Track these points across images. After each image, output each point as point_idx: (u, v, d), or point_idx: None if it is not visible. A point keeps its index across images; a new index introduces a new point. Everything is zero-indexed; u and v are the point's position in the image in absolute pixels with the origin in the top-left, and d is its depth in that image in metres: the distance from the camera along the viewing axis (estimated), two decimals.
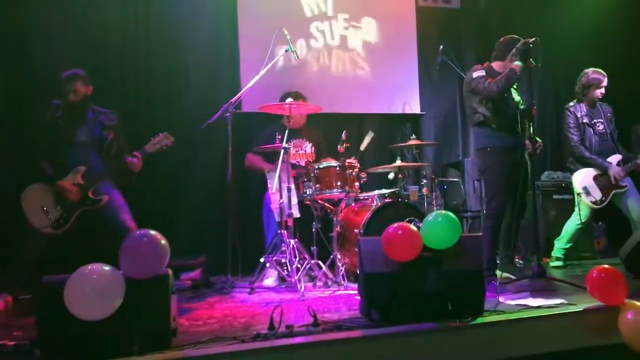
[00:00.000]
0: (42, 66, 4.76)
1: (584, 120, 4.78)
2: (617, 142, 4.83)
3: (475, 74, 3.95)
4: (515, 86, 4.02)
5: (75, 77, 3.99)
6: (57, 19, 4.93)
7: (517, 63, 3.81)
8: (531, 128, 3.93)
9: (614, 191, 4.66)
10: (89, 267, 2.24)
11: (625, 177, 4.65)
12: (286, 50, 4.35)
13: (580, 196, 4.74)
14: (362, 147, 4.79)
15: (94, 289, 2.17)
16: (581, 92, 4.82)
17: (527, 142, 3.94)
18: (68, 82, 3.97)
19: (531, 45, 3.80)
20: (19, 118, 4.69)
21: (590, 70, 4.79)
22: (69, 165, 3.90)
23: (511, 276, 3.95)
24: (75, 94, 3.97)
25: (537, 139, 3.96)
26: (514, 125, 3.95)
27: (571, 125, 4.79)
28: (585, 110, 4.81)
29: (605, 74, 4.75)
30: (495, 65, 4.04)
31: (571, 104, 4.88)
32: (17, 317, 3.38)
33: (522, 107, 3.99)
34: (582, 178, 4.75)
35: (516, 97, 4.03)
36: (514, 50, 3.85)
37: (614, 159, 4.70)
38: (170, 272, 2.40)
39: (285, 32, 4.28)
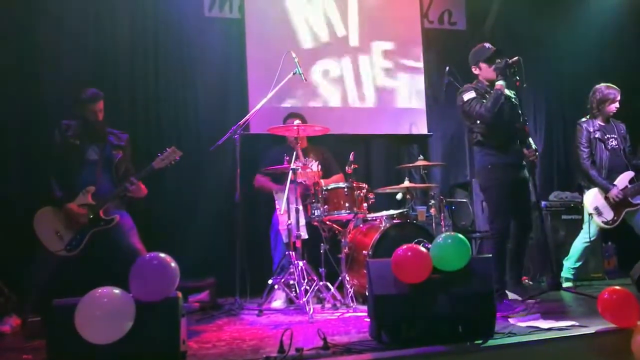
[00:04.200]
0: (52, 89, 4.83)
1: (596, 135, 4.72)
2: (630, 159, 4.76)
3: (465, 97, 3.94)
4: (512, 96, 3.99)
5: (99, 96, 3.97)
6: (66, 41, 5.00)
7: (500, 82, 3.83)
8: (528, 142, 3.93)
9: (626, 210, 4.59)
10: (100, 291, 2.25)
11: (633, 196, 4.58)
12: (293, 73, 4.35)
13: (592, 217, 4.68)
14: None
15: (104, 312, 2.18)
16: (596, 108, 4.77)
17: (524, 150, 3.89)
18: (93, 101, 3.94)
19: (509, 62, 3.81)
20: (29, 141, 4.72)
21: (603, 85, 4.75)
22: (79, 185, 3.88)
23: (518, 297, 3.92)
24: (101, 113, 3.97)
25: (532, 145, 3.93)
26: (511, 141, 3.92)
27: (582, 141, 4.73)
28: (598, 125, 4.76)
29: (619, 89, 4.72)
30: (480, 76, 4.03)
31: (584, 119, 4.83)
32: (26, 340, 3.38)
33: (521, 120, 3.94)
34: (594, 198, 4.69)
35: (510, 94, 3.98)
36: (494, 67, 3.87)
37: (626, 176, 4.64)
38: (180, 294, 2.41)
39: (293, 55, 4.31)
